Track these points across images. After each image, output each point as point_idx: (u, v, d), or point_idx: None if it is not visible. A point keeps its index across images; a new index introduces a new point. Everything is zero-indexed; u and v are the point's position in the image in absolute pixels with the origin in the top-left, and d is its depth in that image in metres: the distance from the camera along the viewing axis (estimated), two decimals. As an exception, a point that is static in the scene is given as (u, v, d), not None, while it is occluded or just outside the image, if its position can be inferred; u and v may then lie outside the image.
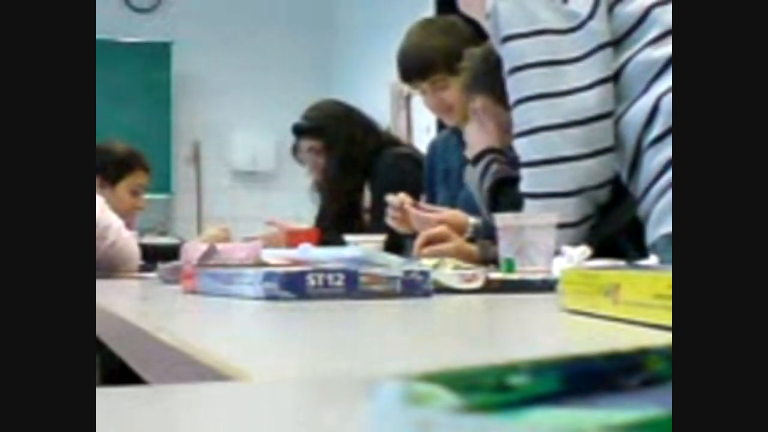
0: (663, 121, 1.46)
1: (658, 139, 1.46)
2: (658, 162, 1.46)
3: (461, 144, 2.33)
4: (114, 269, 2.17)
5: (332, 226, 2.82)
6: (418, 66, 2.37)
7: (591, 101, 1.49)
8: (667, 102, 1.45)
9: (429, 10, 4.61)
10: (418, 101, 5.18)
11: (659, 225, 1.45)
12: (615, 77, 1.51)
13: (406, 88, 5.27)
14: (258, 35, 6.41)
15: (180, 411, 0.39)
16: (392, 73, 5.21)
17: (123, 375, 1.04)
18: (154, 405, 0.40)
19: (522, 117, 1.54)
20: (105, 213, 2.20)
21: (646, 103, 1.48)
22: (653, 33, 1.49)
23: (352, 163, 2.87)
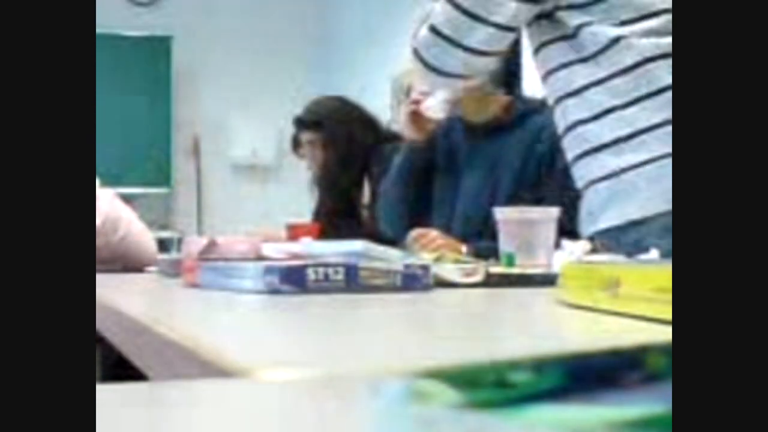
0: (589, 105, 1.51)
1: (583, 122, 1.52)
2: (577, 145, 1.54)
3: (465, 129, 2.32)
4: (128, 263, 2.07)
5: (329, 221, 2.83)
6: None
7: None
8: (596, 91, 1.50)
9: (431, 4, 4.60)
10: (418, 95, 5.17)
11: (592, 223, 1.51)
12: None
13: (407, 81, 5.26)
14: (258, 29, 6.40)
15: (181, 409, 0.39)
16: (393, 67, 5.21)
17: (123, 369, 1.05)
18: (154, 402, 0.40)
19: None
20: (113, 205, 2.10)
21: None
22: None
23: (350, 159, 2.88)
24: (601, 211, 1.48)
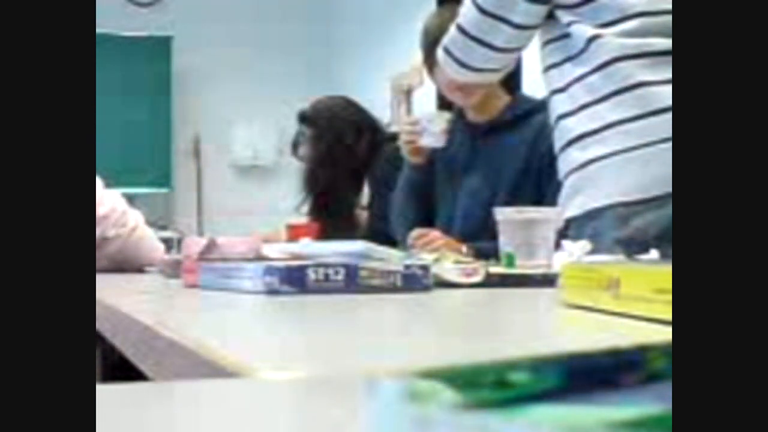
0: (571, 101, 1.57)
1: (566, 115, 1.58)
2: (559, 136, 1.62)
3: (466, 127, 2.32)
4: (140, 258, 2.05)
5: (317, 218, 2.87)
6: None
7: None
8: (577, 88, 1.56)
9: (431, 4, 4.61)
10: (418, 95, 5.17)
11: (562, 213, 1.57)
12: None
13: (406, 82, 5.26)
14: (258, 29, 6.40)
15: (181, 409, 0.39)
16: (393, 67, 5.20)
17: (123, 369, 1.05)
18: (155, 402, 0.40)
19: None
20: (119, 201, 2.10)
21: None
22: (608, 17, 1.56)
23: (331, 159, 2.91)
24: (568, 202, 1.56)
